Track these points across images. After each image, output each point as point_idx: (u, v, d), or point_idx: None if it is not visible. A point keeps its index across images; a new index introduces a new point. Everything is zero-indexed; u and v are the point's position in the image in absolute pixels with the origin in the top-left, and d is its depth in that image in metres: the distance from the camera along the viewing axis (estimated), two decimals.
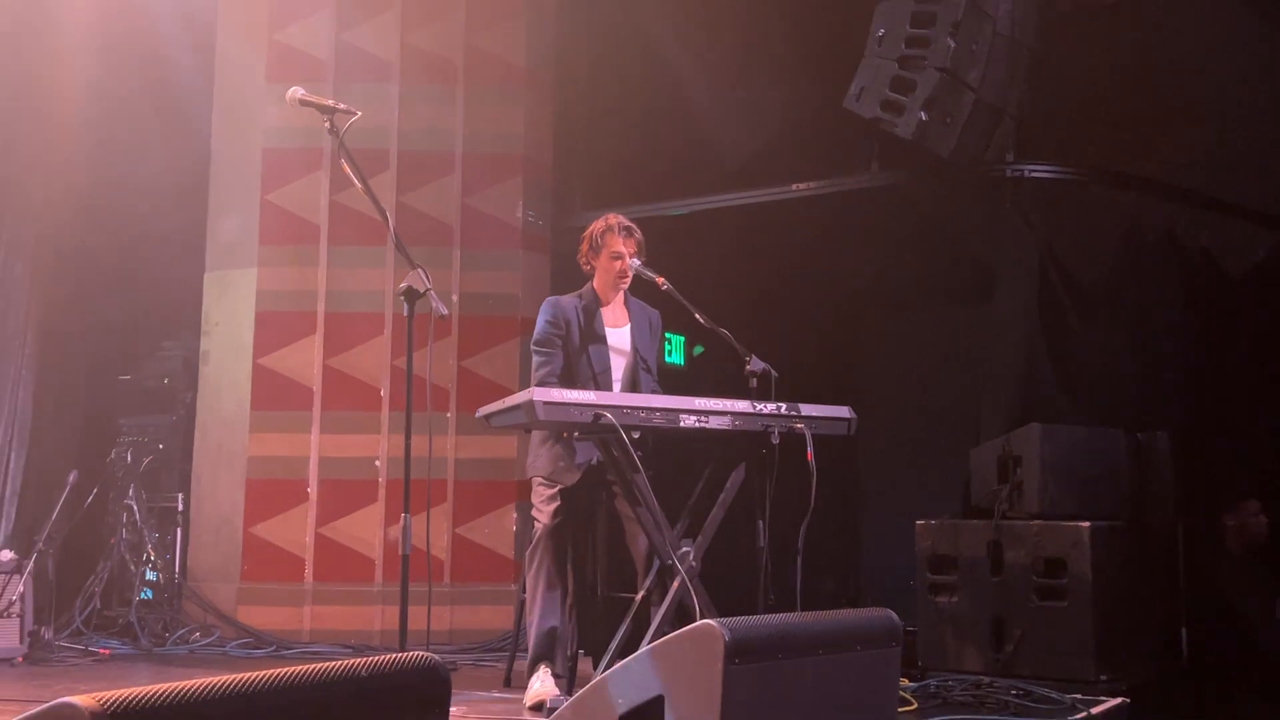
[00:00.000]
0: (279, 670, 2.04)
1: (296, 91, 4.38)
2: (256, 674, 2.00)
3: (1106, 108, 6.95)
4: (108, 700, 1.78)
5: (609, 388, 4.95)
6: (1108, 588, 5.33)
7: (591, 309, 5.04)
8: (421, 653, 2.29)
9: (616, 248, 5.00)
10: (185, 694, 1.87)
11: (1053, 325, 6.81)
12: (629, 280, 5.01)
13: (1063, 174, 6.86)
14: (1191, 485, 6.22)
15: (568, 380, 4.90)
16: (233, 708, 1.93)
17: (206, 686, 1.91)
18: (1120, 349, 6.81)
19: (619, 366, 5.03)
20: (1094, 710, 4.57)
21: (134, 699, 1.80)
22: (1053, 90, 6.85)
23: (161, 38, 7.19)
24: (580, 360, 4.95)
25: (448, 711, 2.32)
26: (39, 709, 1.79)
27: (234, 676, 1.97)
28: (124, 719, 1.77)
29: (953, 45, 6.13)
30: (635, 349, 5.09)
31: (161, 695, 1.84)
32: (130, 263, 7.29)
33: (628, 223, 5.06)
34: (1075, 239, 7.01)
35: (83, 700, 1.76)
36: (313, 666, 2.10)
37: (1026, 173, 6.75)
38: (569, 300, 5.07)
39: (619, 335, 5.07)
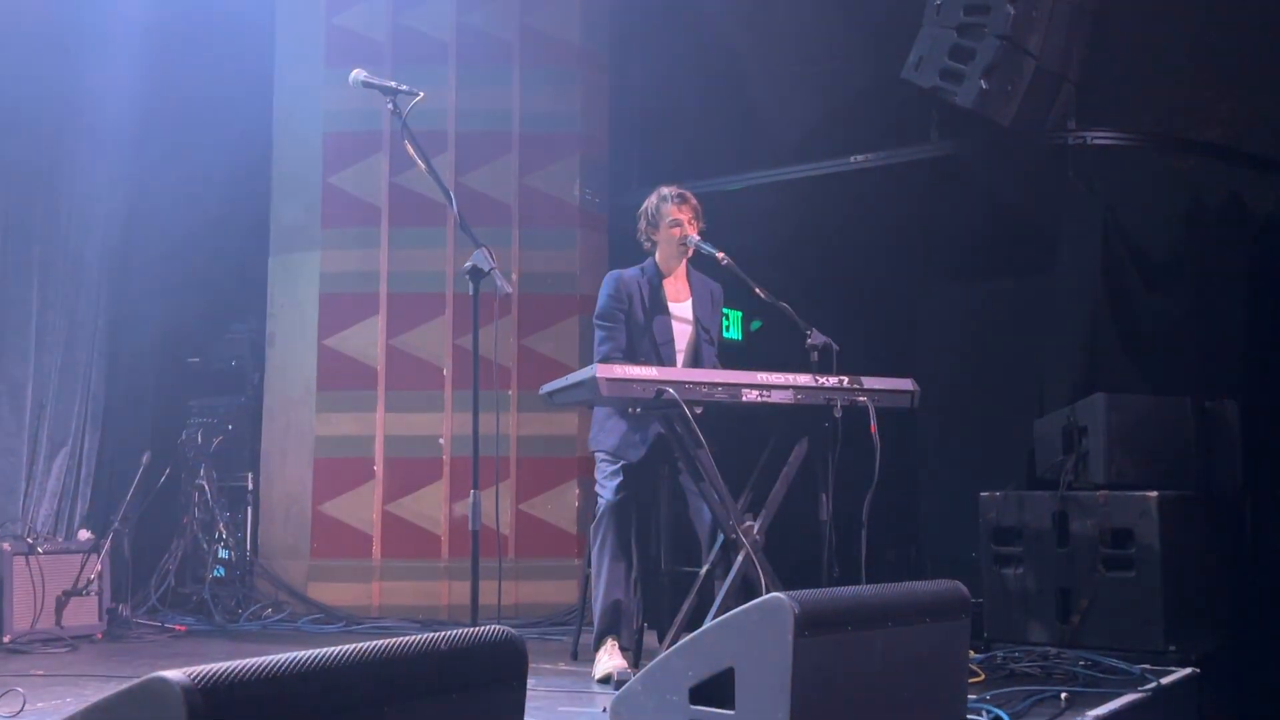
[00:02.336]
0: (362, 645, 2.07)
1: (359, 74, 4.41)
2: (339, 649, 2.03)
3: (1168, 72, 6.84)
4: (198, 674, 1.82)
5: (672, 359, 4.98)
6: (1176, 558, 5.27)
7: (654, 282, 5.06)
8: (498, 626, 2.33)
9: (673, 215, 5.02)
10: (272, 668, 1.92)
11: (1116, 293, 6.72)
12: (691, 250, 5.01)
13: (1125, 140, 6.77)
14: (1261, 454, 6.13)
15: (630, 353, 4.93)
16: (318, 682, 1.97)
17: (292, 661, 1.94)
18: (1186, 316, 6.71)
19: (682, 337, 5.05)
20: (1163, 681, 4.52)
21: (223, 673, 1.84)
22: (1114, 55, 6.76)
23: (220, 25, 7.26)
24: (643, 332, 4.98)
25: (525, 683, 2.35)
26: (132, 683, 1.85)
27: (317, 651, 2.00)
28: (214, 693, 1.81)
29: (1012, 12, 6.07)
30: (697, 320, 5.11)
31: (248, 670, 1.88)
32: (196, 248, 7.37)
33: (679, 190, 5.08)
34: (1139, 205, 6.91)
35: (174, 674, 1.81)
36: (393, 641, 2.14)
37: (1089, 140, 6.67)
38: (631, 273, 5.09)
39: (681, 308, 5.09)
